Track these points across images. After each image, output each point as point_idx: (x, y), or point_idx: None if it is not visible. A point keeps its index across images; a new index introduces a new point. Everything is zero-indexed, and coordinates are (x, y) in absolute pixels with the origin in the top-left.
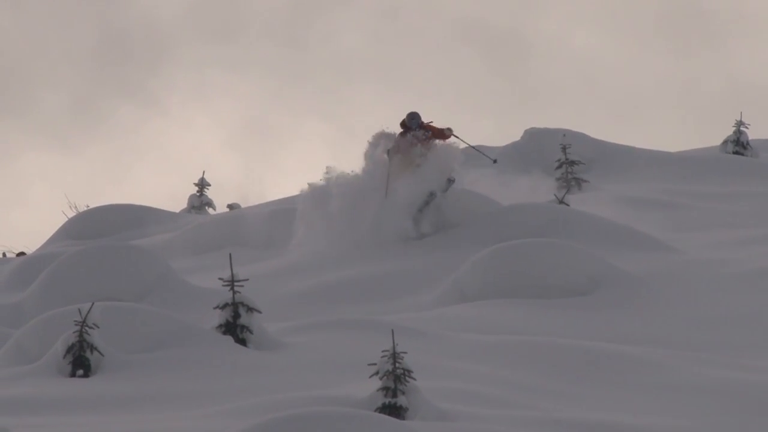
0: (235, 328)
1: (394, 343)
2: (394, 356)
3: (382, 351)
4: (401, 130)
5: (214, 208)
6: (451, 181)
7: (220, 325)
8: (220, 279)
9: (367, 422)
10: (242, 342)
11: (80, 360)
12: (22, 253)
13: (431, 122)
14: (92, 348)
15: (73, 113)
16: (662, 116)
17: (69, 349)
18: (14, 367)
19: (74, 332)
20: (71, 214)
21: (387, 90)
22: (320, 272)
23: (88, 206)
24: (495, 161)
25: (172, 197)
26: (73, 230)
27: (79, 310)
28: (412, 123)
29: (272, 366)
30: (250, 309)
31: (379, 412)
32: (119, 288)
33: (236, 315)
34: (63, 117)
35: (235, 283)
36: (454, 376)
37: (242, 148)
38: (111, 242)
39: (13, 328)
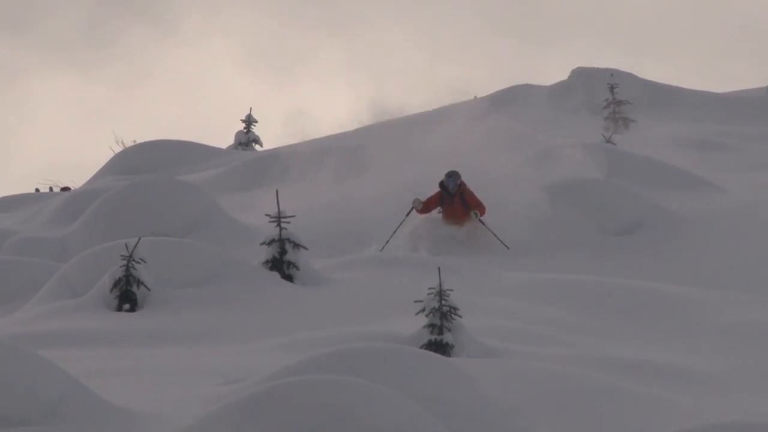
0: (281, 264)
1: (440, 280)
2: (441, 293)
3: (429, 288)
4: (438, 190)
5: (261, 145)
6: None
7: (267, 261)
8: (266, 215)
9: (413, 359)
10: (288, 278)
11: (127, 294)
12: (66, 188)
13: (468, 188)
14: (139, 283)
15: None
16: (711, 57)
17: (116, 284)
18: (60, 302)
19: (121, 267)
20: (118, 149)
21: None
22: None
23: (135, 141)
24: (508, 248)
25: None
26: (120, 165)
27: (126, 244)
28: (449, 182)
29: (318, 302)
30: (296, 245)
31: (425, 349)
32: (166, 223)
33: (282, 251)
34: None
35: (282, 220)
36: (499, 313)
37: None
38: (158, 177)
39: (59, 263)
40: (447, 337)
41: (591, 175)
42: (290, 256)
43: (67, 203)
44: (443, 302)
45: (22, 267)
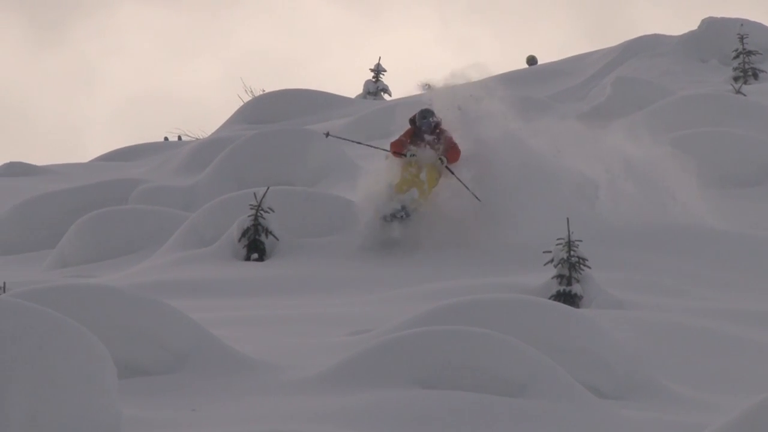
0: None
1: (569, 231)
2: (569, 244)
3: (557, 239)
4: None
5: (390, 94)
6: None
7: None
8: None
9: (540, 309)
10: None
11: (255, 244)
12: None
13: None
14: (267, 232)
15: None
16: None
17: (244, 233)
18: (189, 250)
19: (249, 216)
20: (247, 98)
21: None
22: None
23: (264, 91)
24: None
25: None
26: (248, 114)
27: (254, 194)
28: (423, 123)
29: (446, 252)
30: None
31: (554, 300)
32: (294, 172)
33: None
34: None
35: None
36: (627, 265)
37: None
38: (286, 127)
39: (188, 212)
40: (575, 288)
41: (718, 125)
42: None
43: (195, 152)
44: (572, 253)
45: (150, 216)
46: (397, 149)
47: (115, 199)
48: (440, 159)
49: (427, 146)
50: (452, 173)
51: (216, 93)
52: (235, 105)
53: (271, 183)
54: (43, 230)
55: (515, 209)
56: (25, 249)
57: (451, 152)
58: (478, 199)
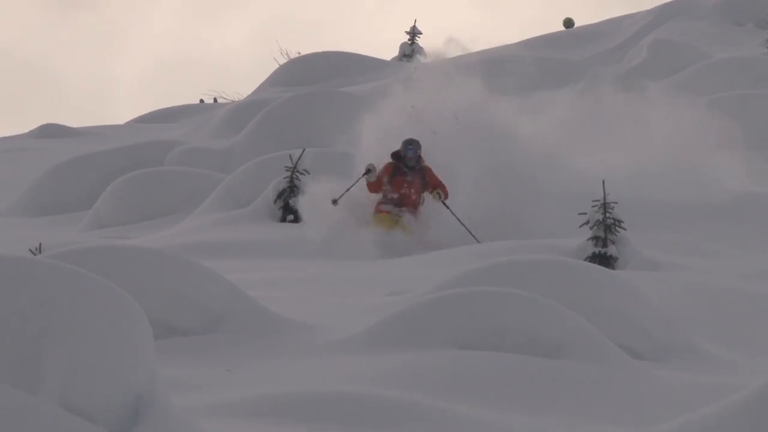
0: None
1: (604, 192)
2: (605, 206)
3: (593, 201)
4: (390, 161)
5: (425, 57)
6: None
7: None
8: (433, 132)
9: (578, 271)
10: None
11: (290, 206)
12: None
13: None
14: (303, 193)
15: None
16: None
17: (280, 195)
18: (225, 212)
19: (285, 178)
20: (283, 60)
21: None
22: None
23: (299, 53)
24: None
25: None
26: (284, 77)
27: (290, 156)
28: (408, 151)
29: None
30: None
31: (589, 262)
32: (329, 135)
33: None
34: None
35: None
36: (663, 227)
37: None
38: (322, 89)
39: (224, 173)
40: (611, 250)
41: (753, 88)
42: None
43: (231, 114)
44: (607, 215)
45: (186, 178)
46: (374, 190)
47: (151, 161)
48: (437, 194)
49: (406, 210)
50: (450, 211)
51: (249, 55)
52: (270, 67)
53: (308, 145)
54: (79, 192)
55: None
56: (61, 210)
57: (443, 188)
58: (477, 241)
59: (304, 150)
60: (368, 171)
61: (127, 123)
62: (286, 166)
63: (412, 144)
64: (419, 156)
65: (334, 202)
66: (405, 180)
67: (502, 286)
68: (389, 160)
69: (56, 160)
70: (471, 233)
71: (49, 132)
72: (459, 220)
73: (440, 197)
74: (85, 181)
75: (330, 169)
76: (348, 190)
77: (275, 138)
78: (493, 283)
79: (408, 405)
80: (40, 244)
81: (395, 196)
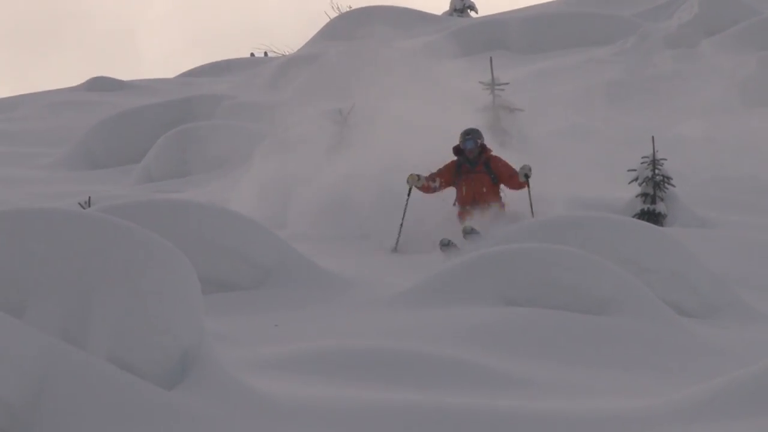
0: (497, 133)
1: (654, 149)
2: (654, 162)
3: (642, 157)
4: (454, 157)
5: (476, 12)
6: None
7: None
8: (480, 83)
9: (624, 227)
10: (501, 144)
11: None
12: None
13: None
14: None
15: None
16: None
17: (331, 149)
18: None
19: (335, 131)
20: (333, 14)
21: None
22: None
23: (350, 7)
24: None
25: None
26: (334, 31)
27: (340, 110)
28: (467, 143)
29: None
30: (511, 110)
31: (638, 219)
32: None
33: (497, 118)
34: None
35: (496, 87)
36: (711, 184)
37: None
38: (372, 43)
39: (273, 128)
40: (660, 207)
41: None
42: (504, 123)
43: (281, 69)
44: (656, 171)
45: (236, 132)
46: (429, 190)
47: (200, 115)
48: (524, 174)
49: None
50: (529, 191)
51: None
52: (320, 22)
53: (357, 99)
54: (129, 146)
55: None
56: (111, 164)
57: (513, 178)
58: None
59: (353, 104)
60: (410, 186)
61: (177, 77)
62: (334, 120)
63: (470, 134)
64: (482, 145)
65: (395, 249)
66: (471, 175)
67: (550, 242)
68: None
69: (106, 113)
70: (532, 210)
71: (99, 85)
72: (531, 202)
73: (527, 177)
74: (135, 135)
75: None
76: (401, 228)
77: (325, 92)
78: (542, 240)
79: (452, 361)
80: (89, 197)
81: (464, 195)
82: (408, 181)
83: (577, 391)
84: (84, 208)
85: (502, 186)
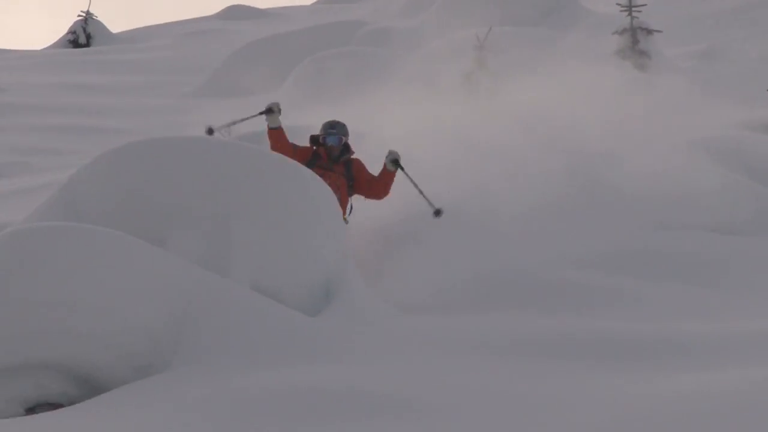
0: (633, 54)
1: None
2: None
3: None
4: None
5: None
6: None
7: (619, 51)
8: (618, 4)
9: None
10: (640, 67)
11: (478, 82)
12: None
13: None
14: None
15: None
16: None
17: (468, 73)
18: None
19: (473, 56)
20: None
21: None
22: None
23: None
24: (437, 212)
25: None
26: None
27: (477, 35)
28: (329, 138)
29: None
30: (649, 32)
31: None
32: (519, 11)
33: (635, 40)
34: None
35: (633, 9)
36: None
37: None
38: None
39: (410, 53)
40: None
41: None
42: (643, 45)
43: None
44: None
45: (374, 58)
46: (277, 147)
47: (337, 42)
48: (394, 162)
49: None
50: (409, 177)
51: None
52: None
53: (496, 22)
54: (266, 74)
55: None
56: (248, 92)
57: (376, 190)
58: (436, 212)
59: (490, 28)
60: (270, 111)
61: (313, 4)
62: (474, 45)
63: (335, 128)
64: (345, 144)
65: (210, 131)
66: (327, 173)
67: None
68: None
69: (242, 41)
70: (429, 201)
71: (235, 13)
72: (416, 186)
73: (397, 162)
74: (272, 63)
75: (521, 46)
76: (234, 123)
77: (465, 15)
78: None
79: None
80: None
81: None
82: (269, 105)
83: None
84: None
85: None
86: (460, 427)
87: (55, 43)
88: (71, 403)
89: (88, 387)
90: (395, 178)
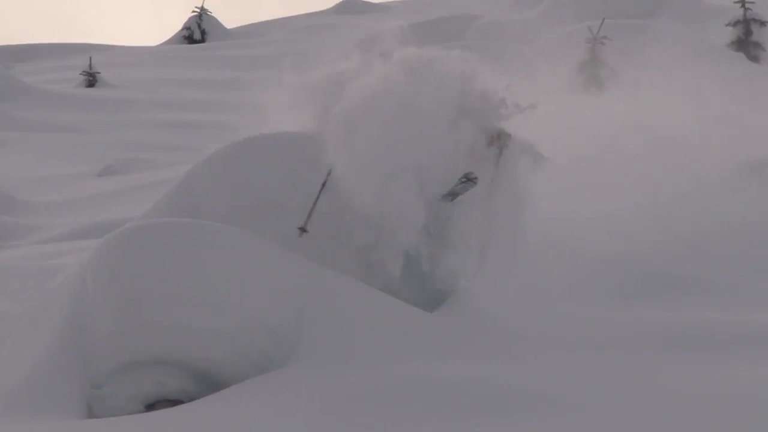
0: (747, 45)
1: None
2: None
3: None
4: None
5: None
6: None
7: (733, 42)
8: None
9: None
10: (754, 59)
11: (593, 76)
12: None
13: None
14: (603, 66)
15: None
16: None
17: (582, 67)
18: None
19: (587, 49)
20: None
21: None
22: None
23: None
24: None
25: None
26: None
27: (589, 28)
28: None
29: None
30: (762, 23)
31: None
32: (630, 3)
33: (748, 32)
34: None
35: (747, 0)
36: None
37: None
38: None
39: (524, 45)
40: None
41: None
42: (756, 36)
43: None
44: None
45: (486, 51)
46: None
47: (451, 36)
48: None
49: None
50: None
51: None
52: None
53: (609, 15)
54: None
55: None
56: None
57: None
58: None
59: (603, 20)
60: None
61: None
62: (586, 38)
63: None
64: None
65: (302, 230)
66: None
67: None
68: None
69: (355, 36)
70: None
71: (349, 8)
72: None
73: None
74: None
75: (630, 39)
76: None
77: (577, 9)
78: None
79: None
80: None
81: None
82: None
83: None
84: None
85: None
86: (611, 426)
87: (169, 40)
88: (190, 399)
89: (207, 383)
90: None
